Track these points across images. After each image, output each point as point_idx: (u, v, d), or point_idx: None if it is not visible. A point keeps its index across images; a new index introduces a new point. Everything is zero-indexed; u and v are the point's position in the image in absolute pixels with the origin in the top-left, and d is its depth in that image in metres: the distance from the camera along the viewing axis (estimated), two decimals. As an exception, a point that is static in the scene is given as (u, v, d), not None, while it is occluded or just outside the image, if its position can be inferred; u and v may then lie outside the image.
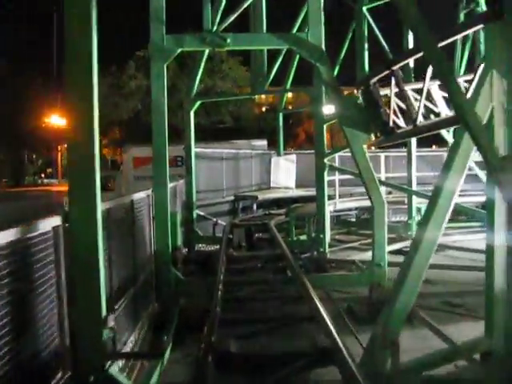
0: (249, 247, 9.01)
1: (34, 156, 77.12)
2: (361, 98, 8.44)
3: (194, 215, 13.26)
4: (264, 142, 20.52)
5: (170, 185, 11.04)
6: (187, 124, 13.28)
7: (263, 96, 72.33)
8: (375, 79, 8.05)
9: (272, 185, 18.32)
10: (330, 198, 14.98)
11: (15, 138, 55.14)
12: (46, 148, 70.25)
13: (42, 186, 56.63)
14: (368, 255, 12.50)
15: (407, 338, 5.64)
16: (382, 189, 16.31)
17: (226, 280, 6.68)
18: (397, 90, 7.52)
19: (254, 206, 15.69)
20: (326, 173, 11.46)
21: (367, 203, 16.30)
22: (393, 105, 7.90)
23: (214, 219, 14.51)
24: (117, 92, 25.74)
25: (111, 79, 25.53)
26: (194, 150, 13.34)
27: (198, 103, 13.32)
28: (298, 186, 17.33)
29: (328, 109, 11.68)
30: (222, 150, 15.24)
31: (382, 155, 15.22)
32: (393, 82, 7.53)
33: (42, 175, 73.22)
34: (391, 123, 8.02)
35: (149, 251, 7.89)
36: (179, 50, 8.36)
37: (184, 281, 8.16)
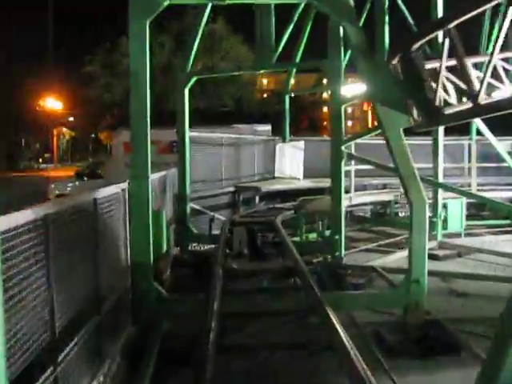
0: (252, 254, 7.24)
1: (32, 140, 75.36)
2: (397, 69, 6.59)
3: (188, 209, 11.47)
4: (268, 127, 18.65)
5: (158, 175, 9.30)
6: (181, 103, 11.44)
7: (265, 81, 70.13)
8: (419, 43, 6.20)
9: (276, 174, 16.49)
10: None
11: (10, 121, 53.35)
12: (41, 132, 68.58)
13: (36, 171, 54.97)
14: (390, 260, 10.78)
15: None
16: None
17: (221, 309, 4.92)
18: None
19: (257, 199, 13.90)
20: (343, 162, 9.66)
21: (386, 197, 14.65)
22: (442, 77, 6.06)
23: (211, 214, 12.71)
24: (110, 71, 23.77)
25: (104, 57, 23.55)
26: (188, 133, 11.52)
27: (194, 80, 11.46)
28: (306, 176, 15.48)
29: (347, 89, 9.92)
30: (221, 135, 13.41)
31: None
32: (445, 45, 5.70)
33: (40, 160, 71.50)
34: (437, 101, 6.19)
35: (124, 262, 6.12)
36: (167, 3, 6.49)
37: (168, 299, 6.39)
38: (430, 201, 14.08)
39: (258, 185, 14.18)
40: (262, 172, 16.08)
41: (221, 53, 24.95)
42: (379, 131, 9.51)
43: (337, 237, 9.66)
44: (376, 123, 7.54)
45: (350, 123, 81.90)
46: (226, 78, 25.10)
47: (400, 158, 6.50)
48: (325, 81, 24.50)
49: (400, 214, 14.78)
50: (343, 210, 9.80)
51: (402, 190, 14.08)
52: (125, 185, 6.15)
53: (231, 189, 13.79)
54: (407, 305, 6.54)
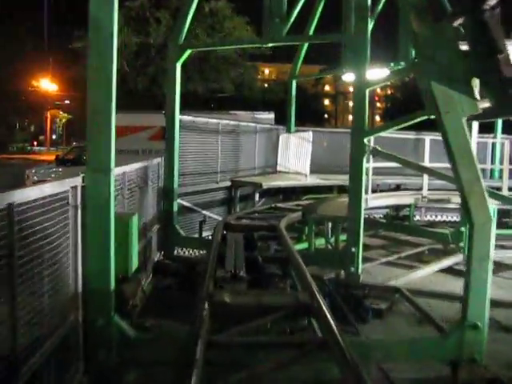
0: (250, 275, 5.45)
1: (26, 122, 73.23)
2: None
3: (175, 207, 9.70)
4: (271, 116, 16.82)
5: (134, 166, 7.52)
6: (171, 81, 9.63)
7: (267, 71, 67.82)
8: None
9: (279, 168, 14.70)
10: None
11: (2, 102, 51.24)
12: (37, 114, 66.51)
13: (27, 154, 52.94)
14: (416, 278, 9.07)
15: None
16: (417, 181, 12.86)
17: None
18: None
19: (257, 196, 12.10)
20: (365, 158, 7.88)
21: (406, 200, 12.89)
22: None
23: (203, 212, 10.93)
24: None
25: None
26: (178, 117, 9.72)
27: (188, 53, 9.63)
28: (313, 171, 13.70)
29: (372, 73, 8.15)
30: (217, 121, 11.58)
31: (427, 138, 11.58)
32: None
33: (35, 143, 69.42)
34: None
35: (72, 290, 4.35)
36: None
37: (133, 339, 4.62)
38: (457, 206, 12.48)
39: (259, 180, 12.39)
40: (263, 165, 14.28)
41: (222, 33, 23.04)
42: (410, 122, 7.81)
43: (353, 249, 7.91)
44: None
45: (350, 117, 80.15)
46: (227, 61, 23.22)
47: (461, 156, 4.73)
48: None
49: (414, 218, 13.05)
50: (362, 215, 8.03)
51: (423, 192, 12.51)
52: (76, 181, 4.36)
53: (227, 183, 12.00)
54: (459, 357, 4.80)
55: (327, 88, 63.75)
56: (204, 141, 11.18)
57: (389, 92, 61.68)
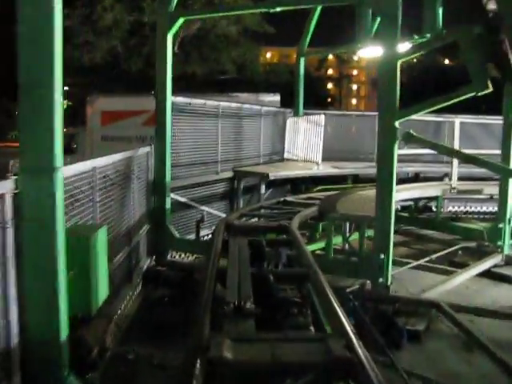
0: (259, 307, 4.04)
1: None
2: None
3: (168, 203, 8.32)
4: (276, 98, 15.33)
5: (118, 156, 6.15)
6: (162, 55, 8.18)
7: (268, 55, 65.70)
8: None
9: (286, 156, 13.28)
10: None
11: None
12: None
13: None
14: (452, 287, 7.69)
15: None
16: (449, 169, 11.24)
17: None
18: None
19: (262, 188, 10.68)
20: (396, 144, 6.45)
21: (433, 191, 11.47)
22: None
23: (202, 208, 9.56)
24: (90, 28, 20.07)
25: (82, 11, 19.91)
26: (171, 98, 8.29)
27: (180, 22, 8.16)
28: (324, 159, 12.26)
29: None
30: (216, 103, 10.12)
31: (457, 120, 10.12)
32: None
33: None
34: None
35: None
36: None
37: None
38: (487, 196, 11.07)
39: (264, 170, 10.98)
40: (269, 153, 12.85)
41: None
42: (453, 100, 6.38)
43: (382, 256, 6.53)
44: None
45: (354, 101, 78.17)
46: (228, 40, 21.54)
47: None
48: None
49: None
50: (393, 213, 6.62)
51: (452, 182, 11.06)
52: (3, 187, 2.95)
53: (229, 174, 10.60)
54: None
55: (330, 72, 62.09)
56: (201, 126, 9.75)
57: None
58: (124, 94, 16.18)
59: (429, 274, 8.03)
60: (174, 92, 8.36)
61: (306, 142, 12.31)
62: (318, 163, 11.52)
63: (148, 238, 8.01)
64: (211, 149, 10.10)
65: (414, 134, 6.41)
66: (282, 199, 9.92)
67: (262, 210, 9.21)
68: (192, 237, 8.66)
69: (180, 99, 8.92)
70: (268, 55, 63.70)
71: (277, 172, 10.76)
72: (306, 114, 13.66)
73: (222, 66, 22.56)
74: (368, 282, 6.77)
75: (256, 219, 8.59)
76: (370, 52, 11.74)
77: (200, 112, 9.63)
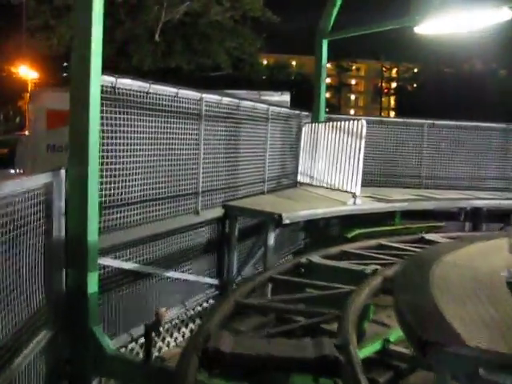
0: None
1: (11, 113, 67.54)
2: None
3: (94, 280, 4.17)
4: (285, 97, 11.31)
5: None
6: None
7: (265, 62, 61.63)
8: None
9: (300, 179, 9.23)
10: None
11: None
12: (15, 102, 60.88)
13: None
14: None
15: None
16: None
17: None
18: None
19: (271, 237, 6.48)
20: None
21: None
22: None
23: (167, 275, 5.42)
24: (47, 7, 15.76)
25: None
26: (100, 79, 4.18)
27: None
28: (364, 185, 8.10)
29: None
30: (197, 95, 5.94)
31: None
32: None
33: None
34: None
35: None
36: None
37: None
38: None
39: (274, 206, 6.87)
40: (277, 175, 8.76)
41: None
42: None
43: None
44: None
45: (353, 97, 74.02)
46: (222, 28, 17.36)
47: None
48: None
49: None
50: None
51: None
52: None
53: (217, 213, 6.50)
54: None
55: (328, 80, 58.85)
56: (169, 132, 5.61)
57: (394, 85, 56.74)
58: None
59: None
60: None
61: (332, 159, 8.19)
62: (354, 194, 7.39)
63: (48, 359, 3.88)
64: (187, 171, 5.97)
65: None
66: (306, 260, 5.75)
67: (271, 285, 5.08)
68: (140, 352, 4.50)
69: (125, 82, 4.80)
70: (264, 62, 60.02)
71: (294, 211, 6.61)
72: (329, 118, 9.63)
73: (213, 59, 18.32)
74: None
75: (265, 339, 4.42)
76: (433, 26, 7.71)
77: (166, 109, 5.50)
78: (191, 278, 6.06)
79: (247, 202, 7.05)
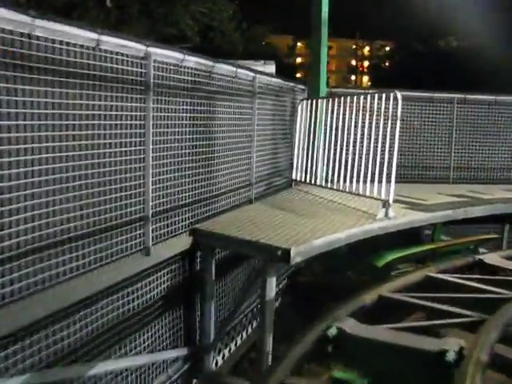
0: None
1: None
2: None
3: None
4: (270, 68, 8.77)
5: None
6: None
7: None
8: None
9: (296, 176, 6.78)
10: None
11: None
12: None
13: None
14: None
15: None
16: None
17: None
18: None
19: (272, 285, 4.03)
20: None
21: None
22: None
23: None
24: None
25: None
26: None
27: None
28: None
29: None
30: (139, 47, 3.43)
31: None
32: None
33: None
34: None
35: None
36: None
37: None
38: None
39: (272, 234, 4.41)
40: (268, 173, 6.26)
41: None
42: None
43: None
44: None
45: (353, 77, 70.70)
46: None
47: None
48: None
49: None
50: None
51: None
52: None
53: (181, 245, 3.99)
54: None
55: (299, 60, 56.64)
56: (104, 113, 3.06)
57: (369, 62, 55.07)
58: None
59: None
60: None
61: (345, 151, 5.73)
62: (386, 203, 4.97)
63: None
64: (130, 184, 3.43)
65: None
66: (334, 330, 3.33)
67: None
68: None
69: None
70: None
71: (304, 238, 4.12)
72: (331, 93, 7.20)
73: (177, 26, 15.48)
74: None
75: None
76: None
77: (97, 78, 2.93)
78: (140, 361, 3.58)
79: (229, 220, 4.56)
